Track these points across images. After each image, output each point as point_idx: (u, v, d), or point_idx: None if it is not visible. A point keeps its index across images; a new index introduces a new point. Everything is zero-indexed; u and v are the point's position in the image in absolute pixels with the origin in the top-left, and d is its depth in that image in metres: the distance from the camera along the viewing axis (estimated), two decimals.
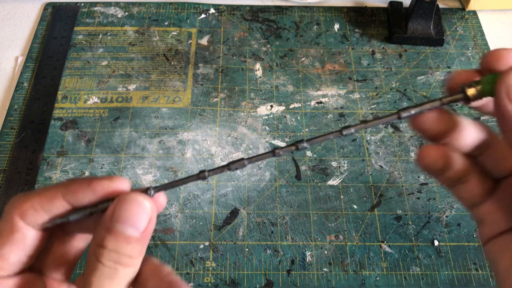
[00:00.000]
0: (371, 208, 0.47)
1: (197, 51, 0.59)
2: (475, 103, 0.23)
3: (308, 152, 0.51)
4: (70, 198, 0.23)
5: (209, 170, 0.25)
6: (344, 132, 0.24)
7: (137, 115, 0.53)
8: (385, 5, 0.64)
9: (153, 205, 0.23)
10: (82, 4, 0.63)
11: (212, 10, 0.63)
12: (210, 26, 0.62)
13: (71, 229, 0.25)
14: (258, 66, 0.58)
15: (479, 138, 0.24)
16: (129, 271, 0.22)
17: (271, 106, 0.54)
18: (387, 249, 0.45)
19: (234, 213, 0.47)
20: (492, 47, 0.60)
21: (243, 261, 0.44)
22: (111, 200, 0.23)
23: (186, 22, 0.62)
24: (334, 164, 0.50)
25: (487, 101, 0.24)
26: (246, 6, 0.64)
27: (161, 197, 0.25)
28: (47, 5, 0.63)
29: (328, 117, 0.53)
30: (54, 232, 0.25)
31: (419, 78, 0.57)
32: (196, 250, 0.44)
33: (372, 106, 0.55)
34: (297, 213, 0.47)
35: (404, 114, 0.24)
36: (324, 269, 0.44)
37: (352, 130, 0.24)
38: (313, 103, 0.55)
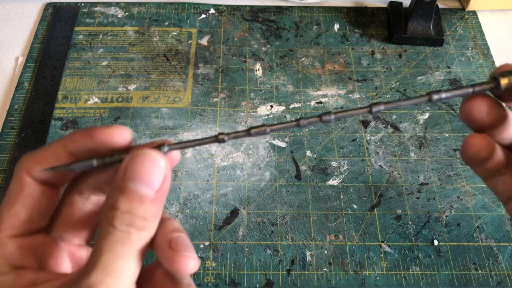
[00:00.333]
0: (371, 208, 0.47)
1: (197, 51, 0.59)
2: (507, 95, 0.23)
3: (308, 152, 0.51)
4: (71, 148, 0.22)
5: (228, 133, 0.23)
6: (374, 109, 0.23)
7: (137, 115, 0.53)
8: (385, 5, 0.64)
9: (167, 161, 0.21)
10: (83, 4, 0.63)
11: (212, 10, 0.63)
12: (210, 26, 0.62)
13: (85, 192, 0.25)
14: (258, 66, 0.58)
15: None
16: (143, 236, 0.21)
17: (271, 106, 0.54)
18: (387, 249, 0.45)
19: (234, 213, 0.47)
20: (492, 47, 0.60)
21: (243, 261, 0.44)
22: (118, 153, 0.22)
23: (186, 22, 0.62)
24: (334, 164, 0.50)
25: None
26: (246, 6, 0.64)
27: (175, 154, 0.23)
28: (48, 5, 0.63)
29: None
30: (69, 195, 0.24)
31: (419, 78, 0.57)
32: (196, 250, 0.45)
33: None
34: (297, 213, 0.47)
35: (435, 97, 0.23)
36: (324, 269, 0.44)
37: (382, 107, 0.23)
38: (313, 103, 0.55)
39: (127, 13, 0.62)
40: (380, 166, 0.50)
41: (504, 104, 0.25)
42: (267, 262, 0.44)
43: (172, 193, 0.48)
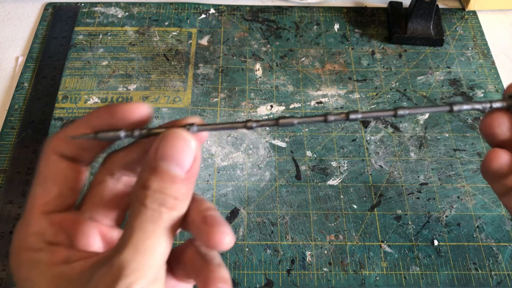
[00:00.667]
0: (371, 208, 0.47)
1: (197, 51, 0.59)
2: None
3: (308, 152, 0.51)
4: (94, 125, 0.22)
5: (256, 121, 0.23)
6: (399, 113, 0.24)
7: None
8: (385, 5, 0.64)
9: (198, 142, 0.22)
10: (83, 4, 0.63)
11: (212, 10, 0.63)
12: (210, 26, 0.62)
13: (116, 172, 0.25)
14: (258, 66, 0.58)
15: None
16: (174, 215, 0.21)
17: (271, 106, 0.54)
18: (387, 249, 0.45)
19: (234, 213, 0.47)
20: (492, 47, 0.60)
21: (243, 261, 0.44)
22: (145, 129, 0.22)
23: (186, 22, 0.62)
24: (334, 164, 0.50)
25: None
26: (246, 6, 0.64)
27: (203, 133, 0.23)
28: (48, 5, 0.63)
29: None
30: (101, 176, 0.25)
31: (419, 78, 0.57)
32: None
33: (372, 106, 0.55)
34: (297, 213, 0.47)
35: (455, 108, 0.24)
36: (324, 269, 0.44)
37: (407, 111, 0.24)
38: (313, 103, 0.55)
39: (127, 13, 0.62)
40: (380, 166, 0.50)
41: None
42: (267, 262, 0.44)
43: None
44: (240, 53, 0.59)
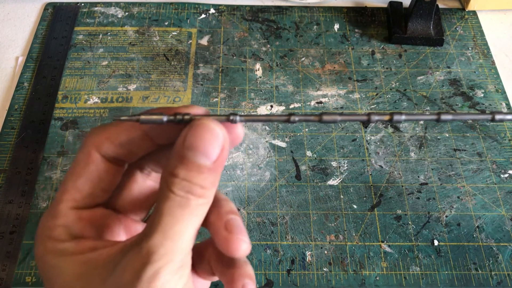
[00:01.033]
0: (371, 208, 0.47)
1: (197, 51, 0.59)
2: None
3: (308, 152, 0.51)
4: (145, 126, 0.22)
5: (299, 115, 0.23)
6: (442, 117, 0.23)
7: None
8: (385, 5, 0.64)
9: (226, 133, 0.21)
10: (82, 4, 0.63)
11: (212, 10, 0.63)
12: (210, 26, 0.62)
13: (146, 167, 0.25)
14: (258, 66, 0.58)
15: None
16: (201, 202, 0.21)
17: (271, 106, 0.54)
18: (387, 249, 0.45)
19: None
20: (492, 47, 0.60)
21: None
22: (188, 114, 0.22)
23: (186, 22, 0.62)
24: (334, 164, 0.50)
25: None
26: (246, 6, 0.64)
27: (239, 129, 0.23)
28: (47, 5, 0.63)
29: None
30: (131, 171, 0.25)
31: (419, 78, 0.57)
32: None
33: (372, 106, 0.55)
34: (297, 213, 0.47)
35: (498, 117, 0.23)
36: (324, 269, 0.44)
37: (450, 117, 0.23)
38: (313, 103, 0.55)
39: (127, 13, 0.62)
40: (380, 166, 0.50)
41: None
42: (267, 262, 0.44)
43: None
44: (240, 53, 0.59)
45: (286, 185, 0.48)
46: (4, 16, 0.63)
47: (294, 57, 0.59)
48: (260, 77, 0.57)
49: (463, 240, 0.45)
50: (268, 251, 0.45)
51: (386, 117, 0.23)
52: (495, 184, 0.49)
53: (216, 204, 0.23)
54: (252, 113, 0.22)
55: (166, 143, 0.23)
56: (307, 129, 0.53)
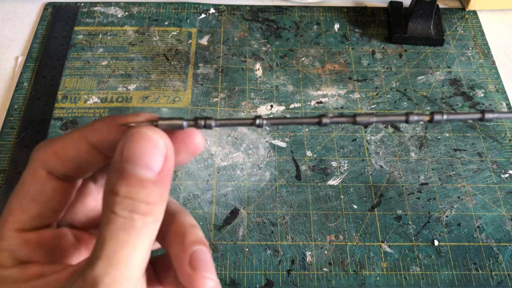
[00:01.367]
0: (371, 208, 0.47)
1: (197, 51, 0.59)
2: None
3: (308, 152, 0.51)
4: (94, 139, 0.20)
5: (331, 116, 0.21)
6: (488, 116, 0.21)
7: None
8: (385, 5, 0.64)
9: (168, 140, 0.19)
10: (82, 4, 0.63)
11: (212, 10, 0.63)
12: (210, 26, 0.62)
13: (100, 178, 0.23)
14: (258, 66, 0.58)
15: None
16: (149, 221, 0.19)
17: (271, 106, 0.54)
18: (387, 249, 0.45)
19: (234, 213, 0.47)
20: (492, 47, 0.60)
21: (243, 261, 0.44)
22: (209, 118, 0.20)
23: (186, 22, 0.62)
24: (334, 164, 0.50)
25: None
26: (246, 6, 0.64)
27: (198, 138, 0.21)
28: (47, 5, 0.63)
29: None
30: (83, 183, 0.23)
31: (419, 78, 0.57)
32: None
33: (372, 106, 0.55)
34: (297, 213, 0.47)
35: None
36: (324, 269, 0.44)
37: (496, 115, 0.21)
38: (313, 103, 0.55)
39: (127, 13, 0.62)
40: (380, 166, 0.50)
41: None
42: (267, 262, 0.44)
43: (171, 193, 0.48)
44: (240, 53, 0.59)
45: (286, 185, 0.48)
46: (4, 16, 0.63)
47: (294, 57, 0.59)
48: (260, 77, 0.57)
49: (464, 240, 0.45)
50: (268, 251, 0.44)
51: (426, 118, 0.21)
52: (496, 184, 0.49)
53: (173, 221, 0.21)
54: (277, 116, 0.20)
55: None
56: (307, 129, 0.52)
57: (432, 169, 0.50)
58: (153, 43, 0.59)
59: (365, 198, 0.48)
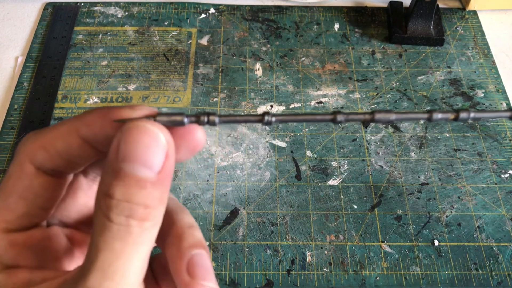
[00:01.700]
0: (371, 208, 0.47)
1: (197, 51, 0.59)
2: None
3: (308, 152, 0.51)
4: (85, 133, 0.18)
5: (347, 113, 0.19)
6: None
7: None
8: (385, 5, 0.64)
9: (169, 136, 0.17)
10: (82, 4, 0.63)
11: (212, 10, 0.63)
12: (210, 26, 0.62)
13: (91, 172, 0.21)
14: (258, 66, 0.58)
15: None
16: (147, 226, 0.17)
17: (271, 106, 0.54)
18: (387, 249, 0.45)
19: (234, 213, 0.47)
20: (492, 47, 0.60)
21: (243, 261, 0.44)
22: (213, 114, 0.18)
23: (186, 22, 0.62)
24: (334, 164, 0.50)
25: None
26: (246, 6, 0.64)
27: (200, 134, 0.19)
28: (47, 5, 0.63)
29: None
30: (74, 177, 0.21)
31: (419, 78, 0.57)
32: None
33: (372, 106, 0.55)
34: (297, 213, 0.47)
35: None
36: (324, 269, 0.44)
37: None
38: (313, 103, 0.55)
39: (126, 13, 0.62)
40: (380, 166, 0.50)
41: None
42: (267, 262, 0.44)
43: (171, 193, 0.47)
44: (240, 53, 0.59)
45: (286, 185, 0.48)
46: (4, 16, 0.63)
47: (294, 57, 0.59)
48: (260, 77, 0.57)
49: (464, 240, 0.45)
50: (268, 251, 0.44)
51: (451, 116, 0.20)
52: (496, 184, 0.49)
53: (173, 224, 0.19)
54: (286, 113, 0.18)
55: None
56: (307, 129, 0.52)
57: (432, 169, 0.50)
58: (153, 43, 0.59)
59: (365, 198, 0.48)
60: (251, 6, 0.64)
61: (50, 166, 0.19)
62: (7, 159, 0.49)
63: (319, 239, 0.45)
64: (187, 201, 0.47)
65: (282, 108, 0.54)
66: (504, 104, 0.55)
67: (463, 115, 0.20)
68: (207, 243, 0.45)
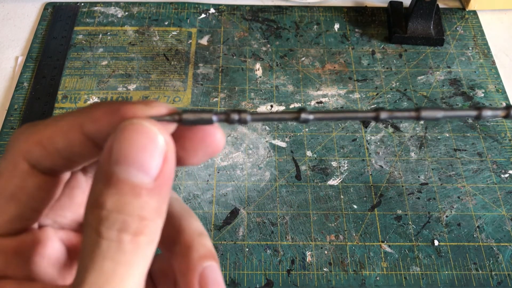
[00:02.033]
0: (371, 208, 0.47)
1: (197, 51, 0.59)
2: None
3: (308, 152, 0.51)
4: (90, 129, 0.16)
5: (389, 110, 0.18)
6: None
7: None
8: (385, 5, 0.64)
9: (168, 135, 0.15)
10: (82, 4, 0.63)
11: (212, 10, 0.63)
12: (210, 26, 0.62)
13: (89, 169, 0.20)
14: (258, 66, 0.58)
15: None
16: (142, 243, 0.14)
17: (271, 106, 0.54)
18: (387, 249, 0.45)
19: (234, 213, 0.47)
20: (492, 47, 0.60)
21: (243, 261, 0.44)
22: (243, 112, 0.16)
23: (186, 22, 0.62)
24: (334, 164, 0.50)
25: None
26: (246, 6, 0.64)
27: (219, 135, 0.17)
28: (47, 5, 0.63)
29: None
30: (73, 176, 0.19)
31: (419, 78, 0.57)
32: None
33: (372, 106, 0.55)
34: (297, 213, 0.47)
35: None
36: (324, 269, 0.44)
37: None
38: (313, 103, 0.55)
39: (127, 13, 0.62)
40: (380, 166, 0.50)
41: None
42: (267, 262, 0.44)
43: (175, 192, 0.47)
44: (240, 53, 0.59)
45: (286, 185, 0.48)
46: (4, 16, 0.63)
47: (294, 57, 0.59)
48: (260, 77, 0.57)
49: (464, 240, 0.45)
50: (268, 251, 0.45)
51: (502, 113, 0.18)
52: (496, 184, 0.49)
53: (182, 234, 0.18)
54: (322, 110, 0.16)
55: None
56: (307, 129, 0.52)
57: (432, 169, 0.50)
58: (153, 43, 0.59)
59: (365, 198, 0.48)
60: (251, 6, 0.64)
61: (46, 164, 0.17)
62: None
63: (319, 239, 0.45)
64: (187, 201, 0.47)
65: (282, 108, 0.54)
66: (504, 104, 0.55)
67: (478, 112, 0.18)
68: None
